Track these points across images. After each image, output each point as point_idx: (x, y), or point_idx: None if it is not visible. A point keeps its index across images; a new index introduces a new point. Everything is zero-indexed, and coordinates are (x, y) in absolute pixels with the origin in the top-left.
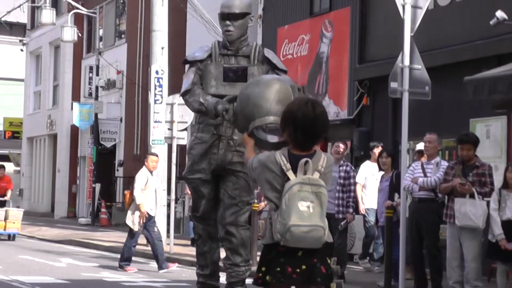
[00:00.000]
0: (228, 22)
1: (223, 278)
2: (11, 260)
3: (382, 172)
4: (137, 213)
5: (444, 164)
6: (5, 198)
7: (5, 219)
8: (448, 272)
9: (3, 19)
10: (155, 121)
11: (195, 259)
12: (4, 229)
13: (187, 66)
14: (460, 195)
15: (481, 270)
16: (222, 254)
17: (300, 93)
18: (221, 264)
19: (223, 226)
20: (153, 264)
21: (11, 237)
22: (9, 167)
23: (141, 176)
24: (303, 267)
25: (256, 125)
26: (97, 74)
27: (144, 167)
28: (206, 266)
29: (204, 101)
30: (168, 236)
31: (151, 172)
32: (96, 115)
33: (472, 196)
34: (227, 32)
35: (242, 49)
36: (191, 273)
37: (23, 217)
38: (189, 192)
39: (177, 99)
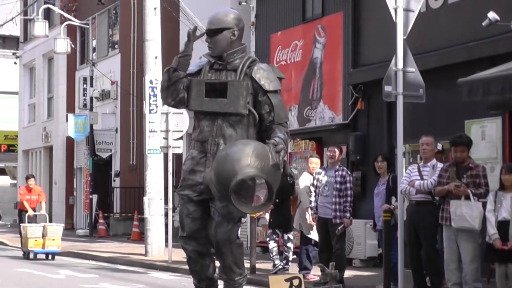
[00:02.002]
0: (208, 39)
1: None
2: (9, 274)
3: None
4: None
5: (441, 166)
6: (41, 212)
7: (43, 236)
8: (446, 275)
9: None
10: (151, 131)
11: None
12: (43, 247)
13: None
14: (456, 197)
15: (480, 271)
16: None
17: (277, 155)
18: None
19: (215, 244)
20: (152, 274)
21: (49, 256)
22: (6, 180)
23: (305, 179)
24: None
25: (238, 179)
26: (91, 85)
27: (305, 171)
28: (200, 281)
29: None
30: (166, 246)
31: (311, 174)
32: (91, 126)
33: (467, 197)
34: (209, 47)
35: (233, 62)
36: (190, 282)
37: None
38: None
39: (172, 108)
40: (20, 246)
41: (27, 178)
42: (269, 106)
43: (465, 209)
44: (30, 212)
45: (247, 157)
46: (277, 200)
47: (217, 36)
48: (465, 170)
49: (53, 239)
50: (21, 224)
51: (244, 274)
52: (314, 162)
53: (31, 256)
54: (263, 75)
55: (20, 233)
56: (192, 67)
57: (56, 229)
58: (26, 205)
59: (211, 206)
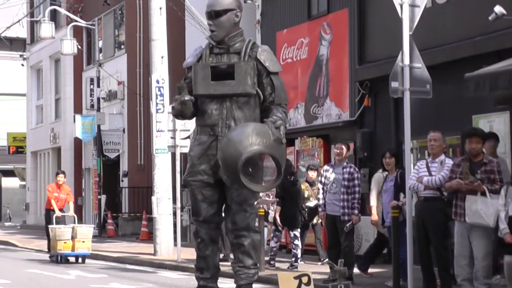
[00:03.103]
0: (210, 22)
1: (221, 282)
2: (19, 274)
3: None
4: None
5: (449, 162)
6: (69, 214)
7: (72, 238)
8: (456, 270)
9: (3, 34)
10: (158, 130)
11: None
12: (73, 250)
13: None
14: (470, 193)
15: (492, 268)
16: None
17: (277, 131)
18: (222, 268)
19: (234, 231)
20: (162, 273)
21: (79, 259)
22: (15, 182)
23: (378, 178)
24: None
25: (244, 158)
26: (98, 86)
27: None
28: (207, 269)
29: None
30: (175, 245)
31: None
32: (98, 126)
33: (483, 194)
34: (211, 32)
35: (234, 46)
36: None
37: (30, 231)
38: None
39: None
40: (47, 249)
41: (57, 174)
42: (271, 88)
43: (481, 205)
44: (58, 213)
45: (248, 137)
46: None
47: (221, 18)
48: (479, 165)
49: (83, 241)
50: (49, 226)
51: (257, 266)
52: (310, 175)
53: (60, 259)
54: (267, 56)
55: (47, 235)
56: (191, 58)
57: (86, 230)
58: (54, 204)
59: (227, 195)
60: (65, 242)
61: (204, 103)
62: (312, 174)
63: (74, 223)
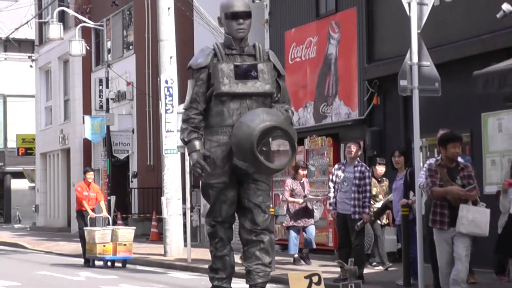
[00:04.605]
0: (241, 21)
1: (234, 282)
2: (29, 277)
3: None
4: None
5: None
6: (102, 215)
7: (112, 240)
8: (441, 279)
9: (11, 36)
10: (167, 131)
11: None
12: (115, 254)
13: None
14: (461, 201)
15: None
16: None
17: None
18: (238, 268)
19: (254, 231)
20: (172, 274)
21: (114, 263)
22: (24, 183)
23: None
24: None
25: (258, 131)
26: (107, 87)
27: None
28: (223, 269)
29: (188, 139)
30: (185, 245)
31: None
32: (108, 127)
33: (474, 202)
34: (240, 30)
35: (246, 48)
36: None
37: (40, 233)
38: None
39: None
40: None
41: (86, 171)
42: (277, 89)
43: (475, 214)
44: (91, 214)
45: (259, 115)
46: None
47: (248, 19)
48: (457, 171)
49: (125, 244)
50: (86, 228)
51: (271, 265)
52: (379, 170)
53: (99, 263)
54: (276, 60)
55: (82, 238)
56: (202, 59)
57: (128, 232)
58: (86, 205)
59: (242, 196)
60: (104, 245)
61: (223, 103)
62: (381, 170)
63: (108, 224)
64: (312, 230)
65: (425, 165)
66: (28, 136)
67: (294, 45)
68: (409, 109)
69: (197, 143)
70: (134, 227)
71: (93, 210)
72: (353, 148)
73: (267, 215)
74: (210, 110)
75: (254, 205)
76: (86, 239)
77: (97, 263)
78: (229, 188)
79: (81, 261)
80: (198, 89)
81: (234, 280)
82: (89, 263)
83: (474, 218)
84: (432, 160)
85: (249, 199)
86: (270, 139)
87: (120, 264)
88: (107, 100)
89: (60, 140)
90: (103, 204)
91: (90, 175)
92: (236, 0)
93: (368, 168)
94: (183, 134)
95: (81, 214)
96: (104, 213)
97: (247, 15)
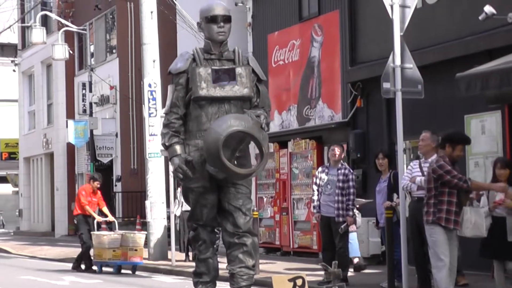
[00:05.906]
0: (222, 24)
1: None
2: (13, 281)
3: None
4: None
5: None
6: (108, 219)
7: (122, 245)
8: (445, 281)
9: None
10: (151, 134)
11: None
12: (126, 259)
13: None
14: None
15: None
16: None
17: (257, 118)
18: (222, 272)
19: (237, 233)
20: (156, 277)
21: (119, 269)
22: (7, 188)
23: None
24: None
25: (223, 136)
26: (90, 91)
27: None
28: (207, 273)
29: (169, 144)
30: (169, 249)
31: None
32: (91, 131)
33: (471, 204)
34: (220, 33)
35: (225, 53)
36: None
37: (24, 237)
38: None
39: None
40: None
41: (94, 179)
42: (256, 94)
43: (475, 216)
44: (98, 218)
45: (227, 121)
46: None
47: (228, 23)
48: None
49: (136, 249)
50: (94, 232)
51: (255, 268)
52: None
53: (107, 268)
54: (255, 65)
55: (83, 243)
56: (181, 63)
57: (138, 237)
58: (90, 209)
59: (223, 200)
60: (114, 251)
61: (202, 107)
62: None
63: (115, 228)
64: (354, 237)
65: (409, 166)
66: (12, 140)
67: (277, 48)
68: (393, 111)
69: (178, 148)
70: (145, 232)
71: (102, 215)
72: (337, 151)
73: (249, 217)
74: (189, 114)
75: (234, 208)
76: (94, 243)
77: (105, 269)
78: (209, 191)
79: (65, 265)
80: (178, 93)
81: (218, 283)
82: (98, 268)
83: (475, 221)
84: (414, 162)
85: (229, 203)
86: (243, 148)
87: (130, 271)
88: (91, 104)
89: (44, 144)
90: (106, 210)
91: (97, 185)
92: (216, 4)
93: (351, 170)
94: (164, 139)
95: (84, 219)
96: (110, 218)
97: (227, 19)
